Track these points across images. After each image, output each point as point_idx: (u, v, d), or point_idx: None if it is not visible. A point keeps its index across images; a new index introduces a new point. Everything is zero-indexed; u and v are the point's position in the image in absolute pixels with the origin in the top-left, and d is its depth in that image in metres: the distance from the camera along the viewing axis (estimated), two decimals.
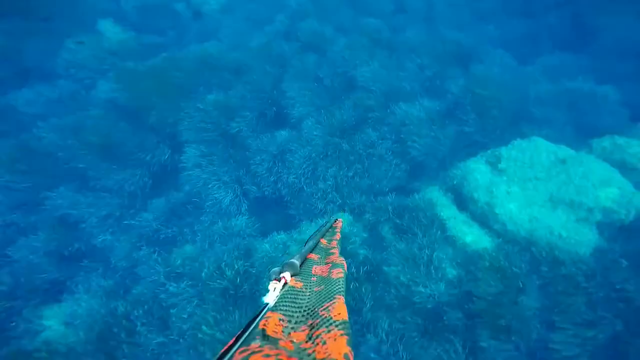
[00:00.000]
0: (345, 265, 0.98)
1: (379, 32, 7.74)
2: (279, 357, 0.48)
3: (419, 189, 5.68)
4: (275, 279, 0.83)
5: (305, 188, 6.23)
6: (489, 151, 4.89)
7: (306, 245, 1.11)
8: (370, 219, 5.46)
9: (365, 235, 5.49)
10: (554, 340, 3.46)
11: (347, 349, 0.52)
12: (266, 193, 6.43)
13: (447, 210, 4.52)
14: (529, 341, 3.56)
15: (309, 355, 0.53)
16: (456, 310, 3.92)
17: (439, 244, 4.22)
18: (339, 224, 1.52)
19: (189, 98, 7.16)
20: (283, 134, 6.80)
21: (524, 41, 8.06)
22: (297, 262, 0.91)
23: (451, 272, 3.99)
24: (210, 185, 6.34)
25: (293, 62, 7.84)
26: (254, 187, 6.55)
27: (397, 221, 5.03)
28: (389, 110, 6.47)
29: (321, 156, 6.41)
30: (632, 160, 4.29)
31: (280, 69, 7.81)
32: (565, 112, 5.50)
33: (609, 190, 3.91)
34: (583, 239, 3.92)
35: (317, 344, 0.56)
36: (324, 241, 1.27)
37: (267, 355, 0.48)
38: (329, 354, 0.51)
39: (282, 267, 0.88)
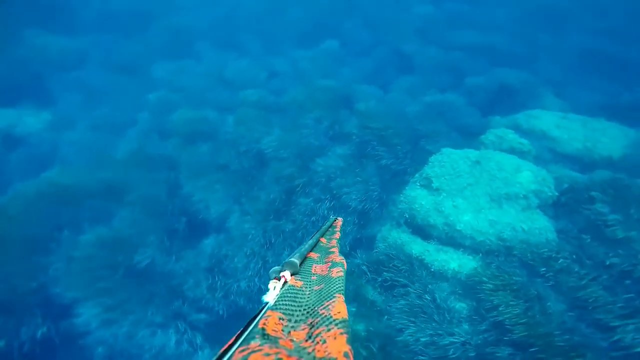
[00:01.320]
0: (345, 264, 1.01)
1: (264, 99, 8.02)
2: (279, 356, 0.48)
3: (375, 235, 5.86)
4: (275, 278, 0.85)
5: (263, 287, 5.43)
6: (416, 175, 5.55)
7: (306, 244, 1.13)
8: (350, 287, 5.20)
9: (353, 309, 5.16)
10: (625, 339, 3.38)
11: (347, 348, 0.52)
12: (220, 312, 5.44)
13: (416, 246, 4.74)
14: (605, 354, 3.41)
15: (309, 354, 0.54)
16: (503, 348, 3.66)
17: (433, 284, 4.33)
18: (339, 223, 1.55)
19: (49, 251, 5.46)
20: (209, 242, 6.00)
21: (376, 74, 9.98)
22: (296, 261, 0.93)
23: (462, 307, 4.06)
24: (139, 336, 4.94)
25: (183, 159, 7.13)
26: (201, 314, 5.41)
27: (379, 279, 4.94)
28: (310, 171, 6.58)
29: (266, 247, 5.88)
30: (516, 145, 5.67)
31: (171, 172, 6.95)
32: (442, 121, 7.00)
33: (524, 175, 4.69)
34: (541, 225, 4.39)
35: (317, 342, 0.56)
36: (323, 240, 1.30)
37: (267, 354, 0.48)
38: (329, 353, 0.52)
39: (282, 265, 0.90)
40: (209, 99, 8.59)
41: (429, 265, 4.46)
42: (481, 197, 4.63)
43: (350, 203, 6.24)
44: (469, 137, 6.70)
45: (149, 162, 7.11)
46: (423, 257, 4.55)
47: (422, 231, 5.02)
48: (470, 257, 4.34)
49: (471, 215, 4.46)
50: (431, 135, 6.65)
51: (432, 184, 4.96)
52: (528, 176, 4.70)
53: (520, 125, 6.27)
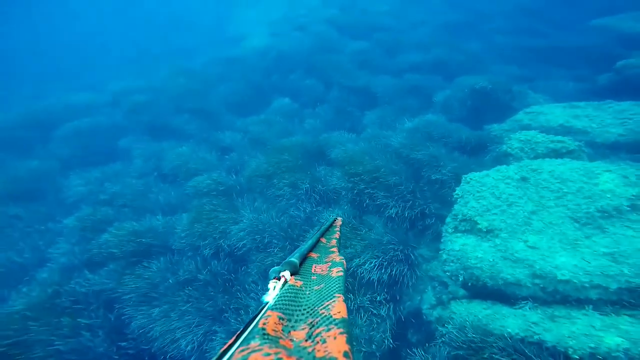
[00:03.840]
0: (345, 264, 1.03)
1: (220, 182, 6.84)
2: (279, 355, 0.51)
3: (420, 308, 4.49)
4: (275, 278, 0.89)
5: None
6: (448, 219, 4.43)
7: (306, 244, 1.19)
8: None
9: None
10: None
11: (346, 347, 0.55)
12: None
13: (510, 320, 3.27)
14: None
15: (308, 353, 0.56)
16: None
17: None
18: (339, 223, 1.59)
19: None
20: None
21: (340, 118, 9.45)
22: (296, 261, 0.98)
23: None
24: None
25: (126, 288, 5.50)
26: None
27: None
28: None
29: None
30: (557, 146, 4.80)
31: (108, 310, 5.25)
32: (435, 144, 6.36)
33: (605, 179, 3.71)
34: None
35: (317, 342, 0.59)
36: (323, 240, 1.35)
37: (267, 354, 0.50)
38: (329, 352, 0.54)
39: (282, 265, 0.94)
40: (150, 204, 7.20)
41: (562, 349, 2.94)
42: (562, 224, 3.54)
43: (370, 276, 4.89)
44: (475, 154, 6.04)
45: (69, 307, 5.28)
46: (535, 335, 3.09)
47: (499, 295, 3.69)
48: (628, 319, 2.90)
49: (568, 254, 3.27)
50: (431, 162, 5.87)
51: (479, 225, 3.85)
52: (612, 179, 3.71)
53: (529, 125, 5.75)
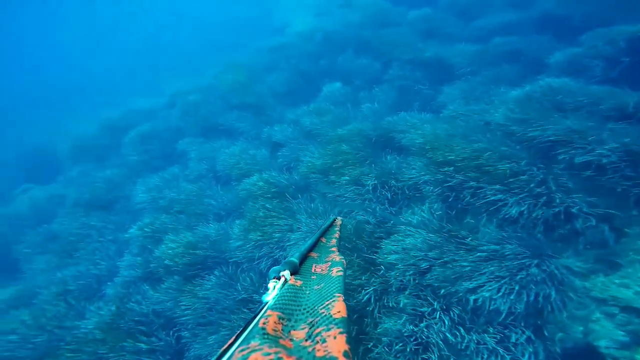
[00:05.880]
0: (345, 263, 1.01)
1: (273, 183, 5.83)
2: (279, 355, 0.49)
3: (591, 344, 2.80)
4: (275, 277, 0.88)
5: None
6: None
7: (306, 244, 1.19)
8: None
9: None
10: None
11: (346, 347, 0.53)
12: None
13: None
14: None
15: (308, 353, 0.55)
16: None
17: None
18: (339, 222, 1.58)
19: None
20: None
21: (406, 98, 7.85)
22: (296, 261, 0.98)
23: None
24: None
25: (182, 308, 4.73)
26: None
27: None
28: (380, 267, 3.86)
29: None
30: None
31: (168, 333, 4.48)
32: (570, 116, 4.43)
33: None
34: None
35: (317, 342, 0.57)
36: (323, 239, 1.33)
37: (267, 354, 0.49)
38: (329, 352, 0.52)
39: (282, 265, 0.93)
40: (204, 209, 6.53)
41: None
42: None
43: (498, 307, 3.37)
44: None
45: (132, 328, 4.79)
46: None
47: None
48: None
49: None
50: (569, 138, 4.03)
51: None
52: None
53: None
